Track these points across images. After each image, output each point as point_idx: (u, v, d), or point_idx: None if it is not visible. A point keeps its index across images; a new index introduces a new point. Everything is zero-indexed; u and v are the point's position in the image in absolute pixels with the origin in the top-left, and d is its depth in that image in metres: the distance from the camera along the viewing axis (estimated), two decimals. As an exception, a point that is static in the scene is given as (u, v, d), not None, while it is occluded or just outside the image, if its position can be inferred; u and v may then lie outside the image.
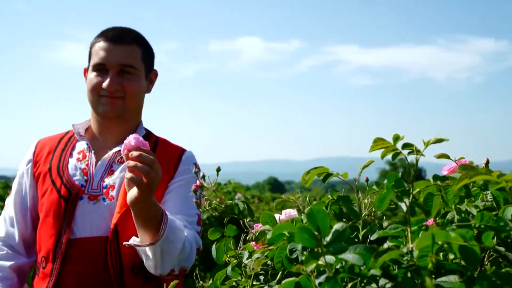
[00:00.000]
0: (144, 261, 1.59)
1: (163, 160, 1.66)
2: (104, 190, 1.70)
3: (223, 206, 1.08)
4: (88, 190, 1.70)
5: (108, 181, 1.71)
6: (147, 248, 1.53)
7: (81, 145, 1.82)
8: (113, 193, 1.68)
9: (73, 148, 1.82)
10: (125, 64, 1.73)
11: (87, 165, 1.76)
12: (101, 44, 1.74)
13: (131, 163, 1.42)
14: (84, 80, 1.82)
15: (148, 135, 1.85)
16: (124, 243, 1.56)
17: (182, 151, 1.81)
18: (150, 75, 1.84)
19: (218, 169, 1.14)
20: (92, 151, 1.79)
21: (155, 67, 1.88)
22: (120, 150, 1.71)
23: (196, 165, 1.70)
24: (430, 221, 1.00)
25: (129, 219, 1.57)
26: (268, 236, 1.01)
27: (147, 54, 1.81)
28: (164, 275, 1.59)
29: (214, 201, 1.09)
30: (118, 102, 1.73)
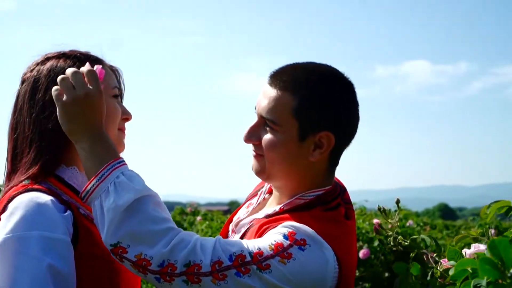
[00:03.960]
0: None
1: None
2: None
3: (408, 241, 1.09)
4: None
5: None
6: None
7: (256, 198, 1.54)
8: None
9: (256, 194, 1.56)
10: (264, 116, 1.32)
11: (237, 218, 1.49)
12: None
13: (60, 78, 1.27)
14: None
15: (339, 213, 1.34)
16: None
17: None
18: (315, 137, 1.31)
19: (398, 202, 1.09)
20: (250, 209, 1.50)
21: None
22: (258, 220, 1.38)
23: (290, 234, 1.21)
24: None
25: None
26: (451, 272, 1.00)
27: (309, 107, 1.29)
28: (108, 248, 1.19)
29: (399, 237, 1.10)
30: (259, 159, 1.37)
